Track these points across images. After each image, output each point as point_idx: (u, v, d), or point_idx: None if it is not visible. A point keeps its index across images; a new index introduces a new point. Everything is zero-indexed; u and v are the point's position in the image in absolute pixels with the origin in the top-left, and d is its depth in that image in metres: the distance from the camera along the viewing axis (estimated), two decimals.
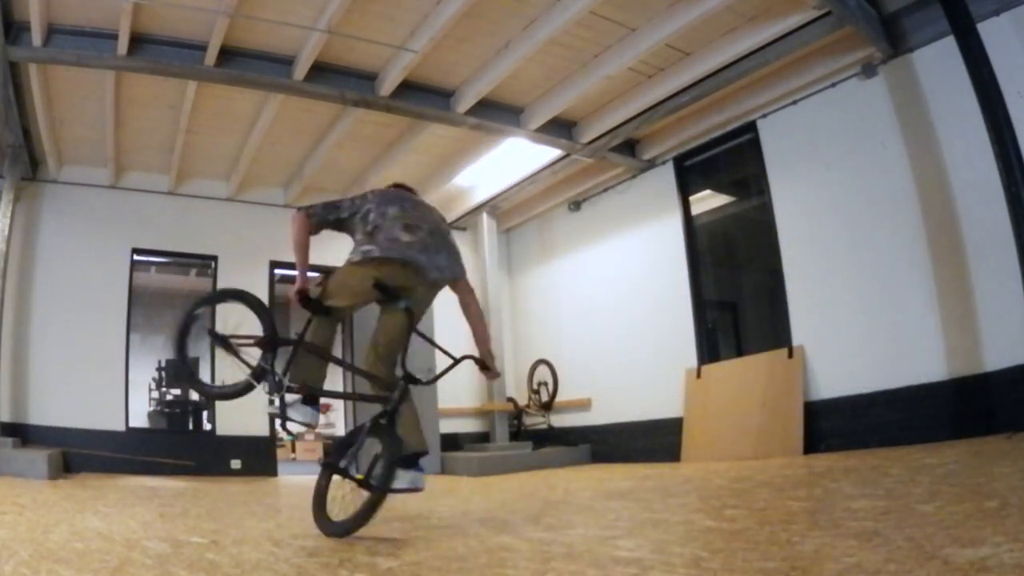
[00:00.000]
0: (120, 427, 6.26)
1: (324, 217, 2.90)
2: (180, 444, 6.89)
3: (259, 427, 6.87)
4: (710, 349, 6.21)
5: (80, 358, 6.21)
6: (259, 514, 3.56)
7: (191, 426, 8.24)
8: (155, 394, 8.93)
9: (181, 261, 8.39)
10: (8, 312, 5.94)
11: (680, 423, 5.97)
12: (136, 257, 6.83)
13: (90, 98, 5.54)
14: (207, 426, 7.18)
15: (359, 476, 2.59)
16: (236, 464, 6.60)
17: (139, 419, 7.54)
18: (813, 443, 4.89)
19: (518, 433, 7.57)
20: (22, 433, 5.74)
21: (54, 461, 5.32)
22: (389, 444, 2.58)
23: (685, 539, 2.20)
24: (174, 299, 11.47)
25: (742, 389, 5.53)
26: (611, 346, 6.93)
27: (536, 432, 7.54)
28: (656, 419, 6.32)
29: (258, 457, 6.76)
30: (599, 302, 7.20)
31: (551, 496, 3.93)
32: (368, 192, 2.99)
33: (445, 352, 2.94)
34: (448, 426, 7.04)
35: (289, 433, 2.93)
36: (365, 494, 2.51)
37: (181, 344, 2.81)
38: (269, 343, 2.76)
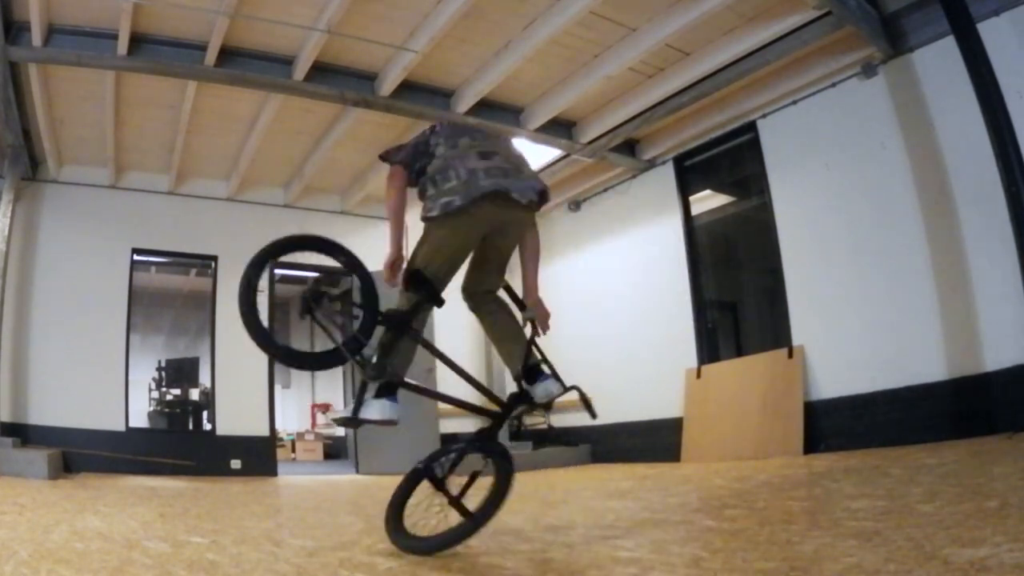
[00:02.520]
0: (120, 427, 6.26)
1: (416, 164, 2.38)
2: (180, 444, 6.90)
3: (259, 427, 6.88)
4: (710, 349, 6.21)
5: (80, 358, 6.21)
6: (259, 514, 3.56)
7: (191, 426, 8.25)
8: (155, 394, 8.93)
9: (181, 261, 8.39)
10: (8, 312, 5.93)
11: (680, 423, 5.97)
12: (136, 257, 6.83)
13: (90, 98, 5.54)
14: (207, 426, 7.19)
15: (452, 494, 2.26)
16: (236, 464, 6.60)
17: (139, 419, 7.55)
18: (813, 443, 4.89)
19: (518, 433, 7.56)
20: (22, 433, 5.74)
21: (54, 461, 5.32)
22: (504, 472, 2.16)
23: (685, 539, 2.20)
24: (174, 299, 11.50)
25: (742, 389, 5.53)
26: (611, 346, 6.92)
27: (536, 432, 7.54)
28: (656, 419, 6.32)
29: (258, 457, 6.76)
30: (599, 302, 7.20)
31: (551, 496, 3.93)
32: (434, 125, 2.53)
33: (556, 376, 2.50)
34: (448, 426, 7.03)
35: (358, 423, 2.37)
36: (455, 515, 2.20)
37: (248, 296, 2.15)
38: (380, 316, 2.22)
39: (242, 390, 6.85)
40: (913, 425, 4.43)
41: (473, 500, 2.21)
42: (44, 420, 5.95)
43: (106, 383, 6.31)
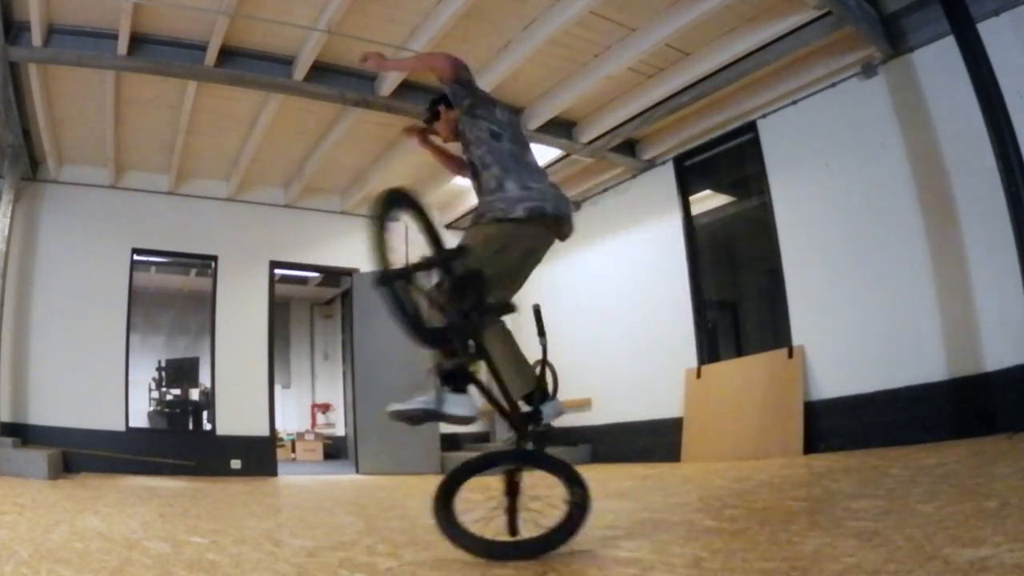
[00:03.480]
0: (120, 427, 6.26)
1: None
2: (180, 444, 6.90)
3: (259, 427, 6.88)
4: (710, 349, 6.21)
5: (80, 358, 6.22)
6: (259, 514, 3.56)
7: (191, 426, 8.26)
8: (155, 394, 8.93)
9: (181, 261, 8.41)
10: (8, 312, 5.94)
11: (680, 423, 5.97)
12: (136, 257, 6.84)
13: (90, 98, 5.54)
14: (207, 426, 7.19)
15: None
16: (236, 464, 6.60)
17: (139, 419, 7.55)
18: (813, 443, 4.89)
19: None
20: (22, 433, 5.74)
21: (54, 461, 5.32)
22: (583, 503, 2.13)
23: (685, 539, 2.19)
24: (174, 299, 11.49)
25: (742, 389, 5.53)
26: (611, 346, 6.92)
27: (536, 432, 7.52)
28: (656, 419, 6.32)
29: (258, 457, 6.76)
30: (599, 302, 7.20)
31: (551, 496, 3.92)
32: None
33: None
34: (448, 426, 7.04)
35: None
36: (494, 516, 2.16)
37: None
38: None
39: (242, 390, 6.85)
40: (913, 425, 4.42)
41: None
42: (44, 420, 5.96)
43: (106, 383, 6.31)
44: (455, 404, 1.98)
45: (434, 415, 1.96)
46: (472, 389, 2.05)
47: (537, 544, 2.05)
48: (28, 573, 1.87)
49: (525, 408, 2.35)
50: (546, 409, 2.35)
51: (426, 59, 2.69)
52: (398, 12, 4.69)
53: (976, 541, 1.59)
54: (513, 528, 2.14)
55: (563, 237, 2.34)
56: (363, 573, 1.87)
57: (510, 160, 2.30)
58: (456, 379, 2.00)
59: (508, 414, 2.30)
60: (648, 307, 6.63)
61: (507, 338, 2.32)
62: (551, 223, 2.24)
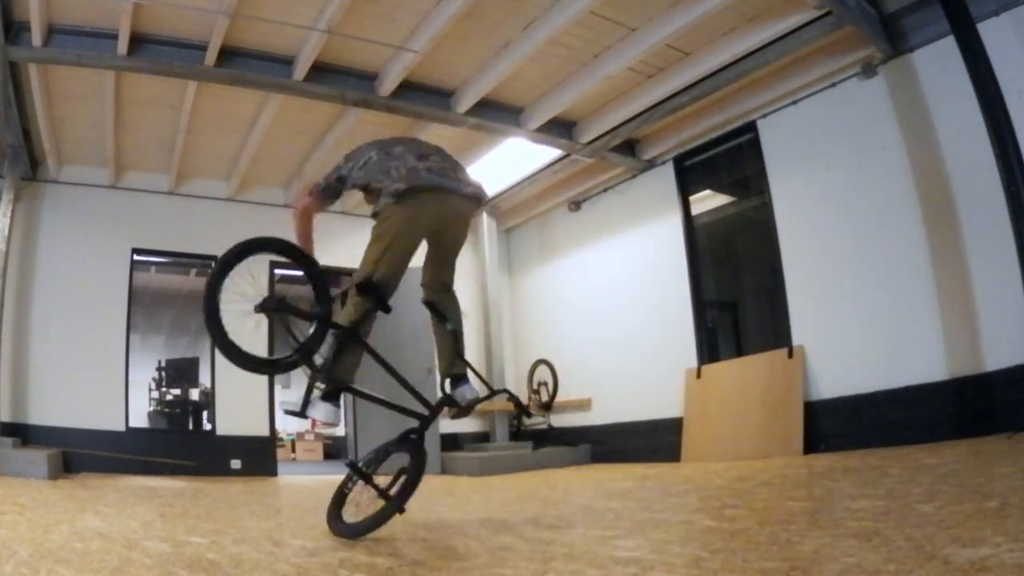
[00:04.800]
0: (120, 427, 6.26)
1: (328, 184, 2.80)
2: (180, 444, 6.89)
3: (259, 427, 6.88)
4: (710, 349, 6.21)
5: (80, 358, 6.21)
6: (259, 514, 3.56)
7: (191, 426, 8.26)
8: (155, 394, 8.93)
9: (181, 261, 8.39)
10: (8, 312, 5.93)
11: (680, 423, 5.97)
12: (136, 257, 6.83)
13: (90, 98, 5.54)
14: (207, 426, 7.19)
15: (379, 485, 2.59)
16: (236, 464, 6.60)
17: (139, 419, 7.55)
18: (813, 443, 4.89)
19: (518, 433, 7.56)
20: (22, 433, 5.74)
21: (54, 461, 5.32)
22: (417, 462, 2.58)
23: (685, 539, 2.19)
24: (174, 299, 11.50)
25: (742, 389, 5.53)
26: (611, 346, 6.93)
27: (536, 432, 7.54)
28: (656, 419, 6.32)
29: (258, 457, 6.76)
30: (599, 302, 7.20)
31: (551, 496, 3.93)
32: (363, 144, 2.84)
33: (484, 381, 3.03)
34: (448, 426, 7.03)
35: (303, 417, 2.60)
36: (381, 503, 2.52)
37: (213, 300, 2.27)
38: (326, 324, 2.46)
39: (242, 390, 6.84)
40: (913, 425, 4.43)
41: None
42: (44, 420, 5.95)
43: (106, 383, 6.30)
44: (317, 410, 2.49)
45: (300, 415, 2.52)
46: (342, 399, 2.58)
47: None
48: (28, 573, 1.87)
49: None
50: (456, 393, 2.77)
51: (297, 211, 2.98)
52: (398, 12, 4.69)
53: (976, 541, 1.59)
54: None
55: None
56: (363, 573, 1.87)
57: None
58: (329, 394, 2.50)
59: (399, 408, 2.70)
60: (648, 307, 6.63)
61: (441, 330, 2.79)
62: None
